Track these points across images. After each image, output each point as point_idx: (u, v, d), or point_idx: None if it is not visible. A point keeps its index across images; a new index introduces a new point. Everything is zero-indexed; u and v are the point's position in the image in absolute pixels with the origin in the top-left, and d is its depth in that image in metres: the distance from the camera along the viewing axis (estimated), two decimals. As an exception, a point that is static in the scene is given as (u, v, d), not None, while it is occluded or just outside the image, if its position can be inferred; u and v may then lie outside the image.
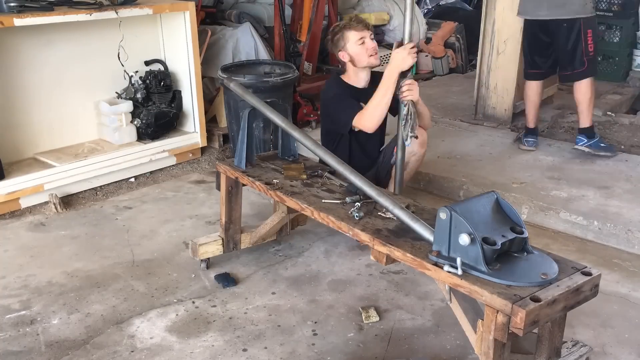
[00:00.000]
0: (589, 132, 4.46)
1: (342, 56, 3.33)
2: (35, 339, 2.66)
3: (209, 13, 5.93)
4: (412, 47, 2.99)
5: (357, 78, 3.37)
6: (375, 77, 3.31)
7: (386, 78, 3.08)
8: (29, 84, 4.12)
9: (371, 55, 3.28)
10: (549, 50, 4.46)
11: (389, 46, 6.80)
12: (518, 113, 5.27)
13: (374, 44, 3.29)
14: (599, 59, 6.74)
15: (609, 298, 2.95)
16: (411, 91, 3.03)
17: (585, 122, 4.45)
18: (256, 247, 3.39)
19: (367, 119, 3.16)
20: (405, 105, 3.02)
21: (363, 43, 3.25)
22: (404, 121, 3.01)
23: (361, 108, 3.19)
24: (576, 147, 4.48)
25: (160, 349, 2.61)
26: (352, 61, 3.31)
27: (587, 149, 4.44)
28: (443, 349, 2.61)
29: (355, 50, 3.27)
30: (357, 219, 2.49)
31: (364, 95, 3.27)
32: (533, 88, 4.60)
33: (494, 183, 4.01)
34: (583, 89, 4.38)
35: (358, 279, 3.14)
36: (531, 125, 4.68)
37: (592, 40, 4.29)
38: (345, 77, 3.41)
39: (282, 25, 5.59)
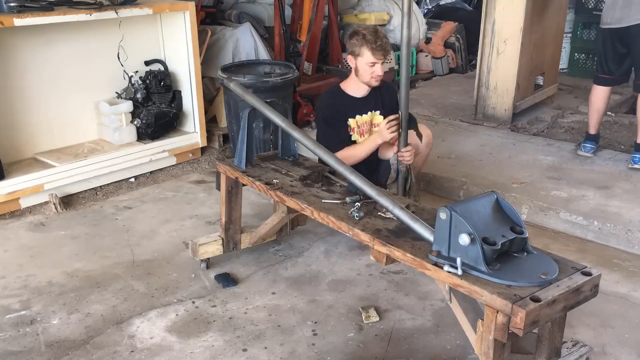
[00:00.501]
0: None
1: (350, 60, 3.38)
2: (35, 339, 2.66)
3: (209, 13, 5.93)
4: (390, 122, 3.17)
5: (357, 87, 3.41)
6: (382, 85, 3.43)
7: (370, 141, 3.31)
8: (29, 84, 4.12)
9: (372, 78, 3.33)
10: (624, 58, 4.31)
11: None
12: (518, 113, 5.28)
13: (382, 71, 3.32)
14: (596, 57, 6.74)
15: (609, 298, 2.95)
16: (408, 159, 3.24)
17: None
18: (256, 247, 3.39)
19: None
20: (402, 172, 3.26)
21: (373, 66, 3.29)
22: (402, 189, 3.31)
23: (345, 144, 3.33)
24: (633, 166, 4.23)
25: (160, 349, 2.61)
26: (355, 70, 3.37)
27: None
28: (443, 349, 2.61)
29: (363, 67, 3.31)
30: (357, 219, 2.49)
31: (361, 104, 3.40)
32: (599, 94, 4.43)
33: (494, 183, 4.01)
34: None
35: (358, 279, 3.14)
36: (592, 131, 4.51)
37: None
38: (346, 85, 3.45)
39: (282, 25, 5.59)
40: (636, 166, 4.24)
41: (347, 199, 2.65)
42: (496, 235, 2.07)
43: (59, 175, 3.99)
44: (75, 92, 4.38)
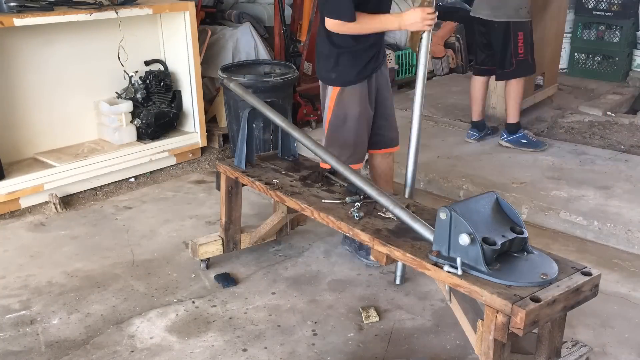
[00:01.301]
0: (511, 128, 4.69)
1: None
2: (35, 339, 2.66)
3: (209, 13, 5.93)
4: (430, 14, 2.74)
5: None
6: None
7: (387, 20, 2.91)
8: (29, 84, 4.12)
9: None
10: (489, 49, 4.65)
11: (390, 47, 6.79)
12: (518, 113, 5.28)
13: None
14: (596, 57, 6.77)
15: (609, 298, 2.95)
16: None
17: (510, 118, 4.69)
18: (256, 247, 3.39)
19: (356, 28, 2.89)
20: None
21: None
22: None
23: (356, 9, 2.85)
24: (499, 141, 4.77)
25: (160, 349, 2.61)
26: None
27: (507, 144, 4.70)
28: (443, 349, 2.61)
29: None
30: (357, 219, 2.49)
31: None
32: (476, 84, 4.79)
33: (494, 183, 4.01)
34: (509, 88, 4.64)
35: (358, 279, 3.14)
36: (474, 118, 4.87)
37: (523, 43, 4.47)
38: None
39: (282, 25, 5.59)
40: (500, 141, 4.75)
41: (347, 199, 2.64)
42: (496, 235, 2.07)
43: (59, 175, 3.99)
44: (75, 92, 4.38)
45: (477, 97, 4.81)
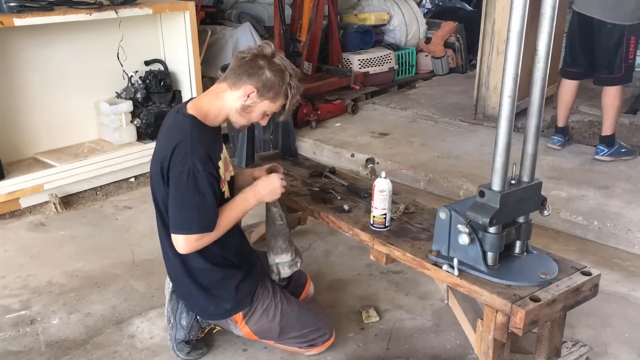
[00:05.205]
0: (610, 141, 4.38)
1: (245, 93, 2.22)
2: (35, 339, 2.66)
3: (209, 13, 5.94)
4: (282, 179, 2.44)
5: (219, 118, 2.31)
6: None
7: (246, 202, 2.36)
8: (29, 84, 4.12)
9: (250, 122, 2.36)
10: (589, 49, 4.34)
11: (389, 46, 6.80)
12: (518, 113, 5.21)
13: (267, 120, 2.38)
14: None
15: (609, 298, 2.95)
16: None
17: (609, 130, 4.36)
18: (256, 246, 3.38)
19: (214, 235, 2.27)
20: (279, 221, 2.53)
21: (266, 116, 2.34)
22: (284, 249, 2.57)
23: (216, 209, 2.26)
24: (597, 157, 4.37)
25: (160, 348, 2.60)
26: (241, 110, 2.26)
27: (608, 159, 4.35)
28: (443, 349, 2.61)
29: (255, 116, 2.31)
30: (346, 209, 2.52)
31: (216, 134, 2.36)
32: (568, 87, 4.52)
33: (494, 183, 4.00)
34: (612, 95, 4.31)
35: (358, 279, 3.14)
36: (560, 124, 4.61)
37: (634, 48, 4.21)
38: (202, 114, 2.26)
39: (282, 25, 5.60)
40: (599, 157, 4.36)
41: (345, 207, 2.61)
42: (496, 234, 2.07)
43: (59, 175, 3.99)
44: (75, 92, 4.38)
45: (570, 102, 4.52)
